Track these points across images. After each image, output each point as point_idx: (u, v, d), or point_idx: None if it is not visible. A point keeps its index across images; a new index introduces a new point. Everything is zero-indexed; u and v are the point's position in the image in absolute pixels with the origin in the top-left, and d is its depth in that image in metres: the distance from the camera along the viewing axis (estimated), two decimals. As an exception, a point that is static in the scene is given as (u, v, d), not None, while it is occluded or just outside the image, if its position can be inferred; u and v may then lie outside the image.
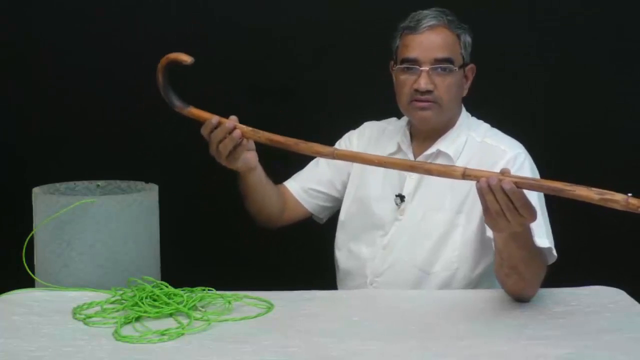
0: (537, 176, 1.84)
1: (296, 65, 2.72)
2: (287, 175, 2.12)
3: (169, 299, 1.61)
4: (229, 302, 1.64)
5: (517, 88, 2.66)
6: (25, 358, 1.38)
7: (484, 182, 1.44)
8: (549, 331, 1.51)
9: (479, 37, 1.95)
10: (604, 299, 1.68)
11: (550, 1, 2.67)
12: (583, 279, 1.77)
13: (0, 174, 2.76)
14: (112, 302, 1.64)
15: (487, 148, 1.89)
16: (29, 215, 1.82)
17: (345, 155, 1.69)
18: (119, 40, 2.69)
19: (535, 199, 1.76)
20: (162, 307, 1.58)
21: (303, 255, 2.70)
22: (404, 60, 1.87)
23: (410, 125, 1.98)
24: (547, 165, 1.90)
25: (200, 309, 1.61)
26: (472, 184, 1.83)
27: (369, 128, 2.08)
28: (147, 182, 1.93)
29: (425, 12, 1.88)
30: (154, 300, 1.61)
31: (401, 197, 1.93)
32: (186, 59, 1.71)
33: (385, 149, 1.98)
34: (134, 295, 1.62)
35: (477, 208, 1.61)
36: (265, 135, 1.72)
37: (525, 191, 1.78)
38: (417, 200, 1.92)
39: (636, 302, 1.67)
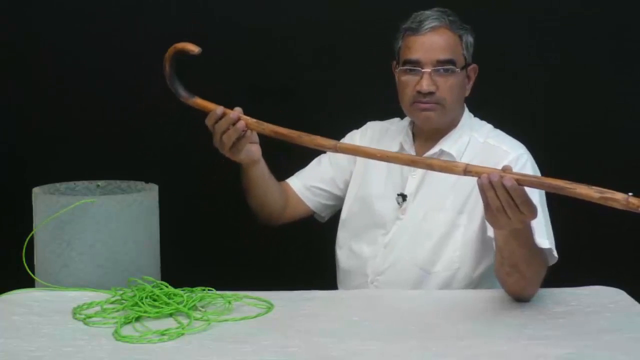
0: None
1: (296, 65, 2.72)
2: (290, 170, 2.12)
3: (169, 299, 1.61)
4: (229, 302, 1.64)
5: (517, 88, 2.66)
6: (25, 358, 1.38)
7: (485, 178, 1.45)
8: (549, 331, 1.51)
9: (479, 37, 1.95)
10: (604, 299, 1.68)
11: (550, 1, 2.67)
12: (583, 279, 1.77)
13: (0, 174, 2.76)
14: (112, 302, 1.64)
15: (489, 149, 1.89)
16: (29, 215, 1.82)
17: (348, 149, 1.69)
18: (119, 40, 2.69)
19: (537, 199, 1.76)
20: (162, 307, 1.58)
21: (303, 255, 2.70)
22: (406, 62, 1.87)
23: (412, 125, 1.99)
24: (547, 165, 1.90)
25: (200, 309, 1.61)
26: (474, 184, 1.84)
27: (372, 128, 2.08)
28: (147, 182, 1.93)
29: (427, 12, 1.88)
30: (154, 300, 1.61)
31: (403, 197, 1.93)
32: (193, 48, 1.72)
33: (387, 149, 1.97)
34: (134, 295, 1.62)
35: (479, 208, 1.61)
36: (269, 127, 1.73)
37: (527, 191, 1.78)
38: (419, 200, 1.92)
39: (636, 302, 1.67)
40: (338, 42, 2.69)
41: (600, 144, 2.70)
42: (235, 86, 2.70)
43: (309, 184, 2.08)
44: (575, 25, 2.65)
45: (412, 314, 1.62)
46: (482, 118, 2.00)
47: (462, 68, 1.88)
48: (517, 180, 1.43)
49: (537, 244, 1.64)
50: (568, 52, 2.67)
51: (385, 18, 2.01)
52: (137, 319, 1.55)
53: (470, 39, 1.90)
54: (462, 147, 1.91)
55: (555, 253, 1.72)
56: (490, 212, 1.46)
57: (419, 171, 1.91)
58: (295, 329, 1.52)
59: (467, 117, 1.97)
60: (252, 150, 1.83)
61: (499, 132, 1.96)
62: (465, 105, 1.97)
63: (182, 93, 1.79)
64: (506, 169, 1.47)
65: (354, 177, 2.05)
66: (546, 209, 1.81)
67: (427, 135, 1.95)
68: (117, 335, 1.47)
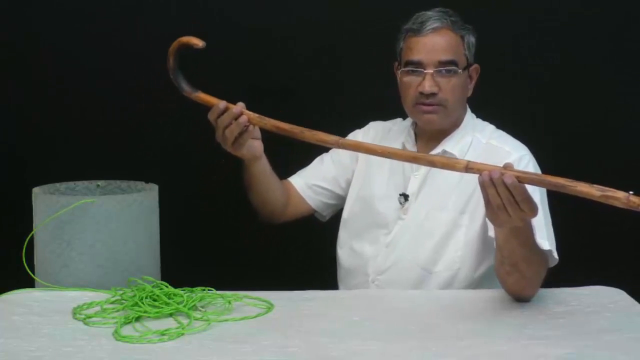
0: None
1: (296, 65, 2.72)
2: (292, 167, 2.12)
3: (169, 299, 1.61)
4: (229, 302, 1.64)
5: (517, 88, 2.66)
6: (25, 358, 1.38)
7: (486, 175, 1.45)
8: (549, 331, 1.51)
9: (479, 37, 1.95)
10: (604, 299, 1.68)
11: (550, 1, 2.67)
12: (583, 279, 1.77)
13: (0, 174, 2.76)
14: (112, 302, 1.64)
15: (492, 149, 1.89)
16: (29, 215, 1.82)
17: (350, 145, 1.69)
18: (119, 40, 2.69)
19: (538, 200, 1.76)
20: (162, 307, 1.58)
21: (303, 255, 2.70)
22: (408, 63, 1.87)
23: (415, 125, 1.99)
24: (547, 166, 1.90)
25: (200, 309, 1.61)
26: (476, 185, 1.84)
27: (374, 128, 2.08)
28: (147, 182, 1.93)
29: (429, 13, 1.88)
30: (154, 300, 1.61)
31: (405, 196, 1.93)
32: (198, 42, 1.72)
33: None
34: (134, 295, 1.62)
35: (481, 208, 1.61)
36: (271, 122, 1.74)
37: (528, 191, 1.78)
38: (421, 200, 1.92)
39: (636, 302, 1.67)
40: (338, 42, 2.69)
41: (600, 144, 2.70)
42: (236, 86, 2.69)
43: (311, 183, 2.08)
44: (575, 25, 2.65)
45: (412, 314, 1.62)
46: (482, 118, 2.00)
47: (464, 68, 1.88)
48: (517, 177, 1.43)
49: (537, 244, 1.64)
50: (568, 52, 2.67)
51: (386, 18, 2.01)
52: (137, 319, 1.55)
53: (472, 39, 1.90)
54: (465, 148, 1.91)
55: (555, 255, 1.72)
56: (491, 209, 1.46)
57: (421, 171, 1.92)
58: (295, 329, 1.52)
59: (470, 118, 1.97)
60: (254, 146, 1.83)
61: (501, 132, 1.96)
62: (467, 106, 1.97)
63: (185, 87, 1.79)
64: (508, 167, 1.47)
65: (355, 176, 2.05)
66: (547, 210, 1.81)
67: (429, 135, 1.95)
68: (117, 335, 1.47)
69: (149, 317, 1.56)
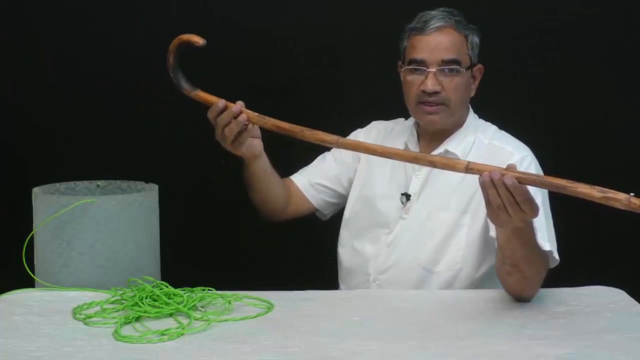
0: None
1: (296, 65, 2.72)
2: (292, 165, 2.12)
3: (169, 299, 1.61)
4: (229, 302, 1.64)
5: (517, 88, 2.66)
6: (25, 358, 1.38)
7: (486, 176, 1.45)
8: (549, 331, 1.51)
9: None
10: (604, 299, 1.68)
11: (551, 1, 2.67)
12: (583, 279, 1.77)
13: (0, 174, 2.76)
14: (112, 302, 1.64)
15: (494, 150, 1.89)
16: (29, 215, 1.82)
17: (350, 145, 1.69)
18: (119, 40, 2.69)
19: (540, 201, 1.76)
20: (162, 307, 1.58)
21: (303, 255, 2.70)
22: (411, 62, 1.88)
23: (417, 125, 1.99)
24: (547, 166, 1.90)
25: (200, 309, 1.61)
26: (478, 185, 1.84)
27: (376, 127, 2.08)
28: (147, 182, 1.93)
29: (433, 12, 1.88)
30: (154, 300, 1.61)
31: (407, 196, 1.93)
32: (198, 40, 1.72)
33: None
34: (134, 295, 1.62)
35: (483, 208, 1.61)
36: (271, 121, 1.73)
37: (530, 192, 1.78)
38: (422, 200, 1.92)
39: (636, 302, 1.67)
40: (338, 42, 2.69)
41: (600, 144, 2.70)
42: (235, 86, 2.68)
43: (313, 181, 2.08)
44: (575, 25, 2.65)
45: (413, 314, 1.62)
46: (482, 118, 2.00)
47: (468, 68, 1.88)
48: (518, 178, 1.43)
49: (538, 244, 1.64)
50: (568, 52, 2.67)
51: (386, 18, 2.02)
52: (137, 319, 1.55)
53: (475, 39, 1.90)
54: (467, 148, 1.91)
55: (556, 255, 1.72)
56: (492, 210, 1.46)
57: (423, 171, 1.92)
58: (295, 329, 1.52)
59: (473, 118, 1.97)
60: (254, 145, 1.83)
61: (504, 133, 1.96)
62: (470, 106, 1.97)
63: (185, 86, 1.79)
64: (509, 168, 1.47)
65: (357, 175, 2.05)
66: (549, 211, 1.81)
67: (431, 135, 1.95)
68: (117, 335, 1.47)
69: (149, 317, 1.56)
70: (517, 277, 1.63)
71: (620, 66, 2.67)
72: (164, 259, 1.88)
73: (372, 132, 2.07)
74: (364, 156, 2.03)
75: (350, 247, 2.01)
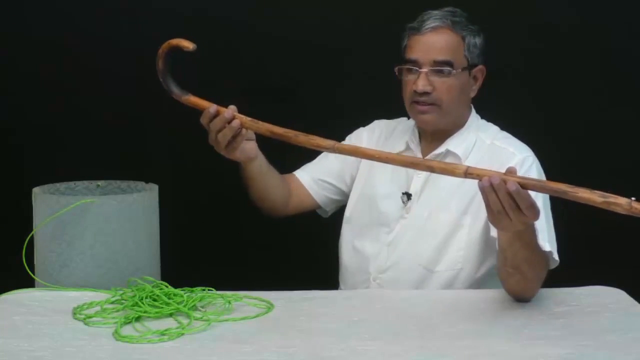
0: None
1: (296, 65, 2.72)
2: (292, 161, 2.11)
3: (169, 299, 1.61)
4: (229, 302, 1.64)
5: (517, 88, 2.66)
6: (25, 358, 1.38)
7: (486, 181, 1.44)
8: (549, 331, 1.51)
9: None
10: (604, 299, 1.68)
11: (551, 1, 2.67)
12: (583, 279, 1.77)
13: (0, 174, 2.76)
14: (112, 302, 1.64)
15: (496, 150, 1.89)
16: (29, 215, 1.82)
17: (346, 150, 1.67)
18: (119, 40, 2.69)
19: (541, 202, 1.76)
20: (162, 307, 1.58)
21: (303, 255, 2.70)
22: (406, 61, 1.88)
23: None
24: (547, 166, 1.90)
25: (200, 309, 1.61)
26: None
27: (379, 126, 2.09)
28: (147, 182, 1.93)
29: (433, 12, 1.88)
30: (154, 300, 1.61)
31: (408, 195, 1.93)
32: (188, 45, 1.70)
33: (394, 148, 1.99)
34: (134, 295, 1.62)
35: (484, 209, 1.61)
36: (264, 127, 1.71)
37: (532, 195, 1.77)
38: (423, 199, 1.92)
39: (636, 302, 1.67)
40: (338, 42, 2.69)
41: (600, 144, 2.70)
42: (235, 86, 2.70)
43: (317, 177, 2.08)
44: (576, 25, 2.66)
45: (412, 314, 1.62)
46: (484, 119, 2.00)
47: (464, 69, 1.88)
48: (518, 183, 1.42)
49: (539, 246, 1.64)
50: (568, 52, 2.67)
51: (386, 18, 2.01)
52: (137, 319, 1.55)
53: (475, 40, 1.89)
54: (469, 148, 1.91)
55: (556, 256, 1.71)
56: (492, 214, 1.46)
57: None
58: (295, 329, 1.52)
59: (475, 118, 1.97)
60: (248, 148, 1.82)
61: (506, 134, 1.96)
62: (472, 107, 1.97)
63: (175, 90, 1.76)
64: (509, 172, 1.46)
65: (359, 173, 2.05)
66: (549, 211, 1.81)
67: (432, 135, 1.95)
68: (117, 335, 1.47)
69: (149, 317, 1.56)
70: (518, 278, 1.63)
71: (621, 68, 2.67)
72: (164, 259, 1.88)
73: (376, 131, 2.07)
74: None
75: (351, 246, 2.01)
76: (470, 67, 1.89)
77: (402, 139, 2.00)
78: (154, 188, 1.88)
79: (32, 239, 1.79)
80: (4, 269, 1.93)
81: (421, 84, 1.85)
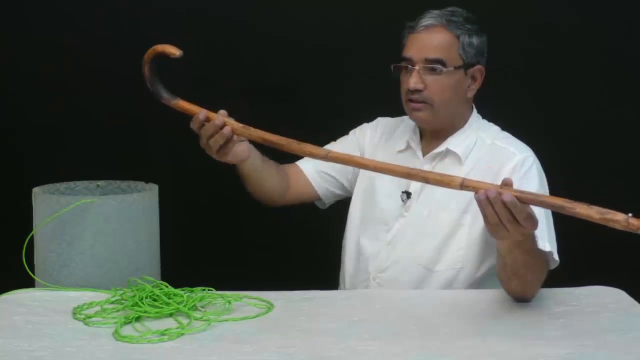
0: (544, 181, 1.85)
1: (296, 65, 2.72)
2: (285, 160, 2.10)
3: (169, 299, 1.61)
4: (229, 302, 1.64)
5: (517, 88, 2.66)
6: (25, 358, 1.38)
7: (482, 194, 1.43)
8: (549, 331, 1.51)
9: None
10: (604, 299, 1.68)
11: (551, 1, 2.67)
12: (583, 279, 1.77)
13: (0, 174, 2.76)
14: (112, 302, 1.64)
15: (496, 150, 1.89)
16: (29, 215, 1.82)
17: (339, 158, 1.65)
18: (119, 40, 2.69)
19: None
20: (162, 307, 1.58)
21: (303, 255, 2.70)
22: (402, 59, 1.88)
23: None
24: (547, 166, 1.90)
25: (200, 309, 1.61)
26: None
27: (383, 123, 2.09)
28: (147, 182, 1.93)
29: (433, 11, 1.88)
30: (154, 300, 1.61)
31: (407, 194, 1.93)
32: (174, 51, 1.66)
33: (395, 146, 1.99)
34: (134, 295, 1.62)
35: None
36: (256, 133, 1.69)
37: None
38: (423, 198, 1.92)
39: (636, 302, 1.67)
40: (338, 42, 2.69)
41: (601, 144, 2.70)
42: (235, 86, 2.70)
43: (320, 169, 2.07)
44: (576, 25, 2.66)
45: (412, 314, 1.62)
46: (485, 119, 2.00)
47: (458, 68, 1.87)
48: (515, 196, 1.41)
49: (539, 248, 1.64)
50: (568, 52, 2.67)
51: (386, 18, 2.01)
52: (137, 319, 1.55)
53: (471, 39, 1.88)
54: (469, 147, 1.91)
55: (556, 257, 1.71)
56: (489, 225, 1.45)
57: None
58: (295, 329, 1.52)
59: (476, 118, 1.97)
60: (240, 150, 1.79)
61: (506, 134, 1.96)
62: (473, 106, 1.97)
63: (165, 95, 1.72)
64: (506, 183, 1.45)
65: (362, 172, 2.05)
66: (549, 211, 1.81)
67: (432, 134, 1.95)
68: (117, 335, 1.47)
69: (149, 317, 1.56)
70: (518, 282, 1.64)
71: (621, 68, 2.67)
72: (164, 259, 1.88)
73: (378, 128, 2.07)
74: (367, 153, 2.04)
75: (352, 244, 2.01)
76: (466, 66, 1.88)
77: (403, 137, 2.00)
78: (154, 188, 1.88)
79: (32, 239, 1.79)
80: (4, 269, 1.93)
81: (412, 82, 1.85)
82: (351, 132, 2.10)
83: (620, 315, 1.60)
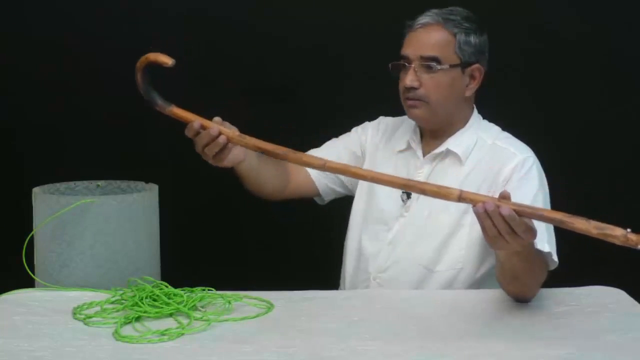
0: (544, 182, 1.84)
1: (296, 65, 2.72)
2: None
3: (169, 299, 1.61)
4: (229, 302, 1.64)
5: (517, 88, 2.66)
6: (25, 358, 1.38)
7: (480, 207, 1.43)
8: (549, 331, 1.51)
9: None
10: (604, 299, 1.68)
11: (551, 1, 2.67)
12: (583, 279, 1.77)
13: (0, 174, 2.76)
14: (112, 302, 1.64)
15: (497, 150, 1.89)
16: (29, 215, 1.82)
17: (336, 169, 1.64)
18: (119, 40, 2.69)
19: (541, 202, 1.76)
20: (162, 307, 1.58)
21: (303, 255, 2.70)
22: (400, 57, 1.89)
23: None
24: (547, 166, 1.90)
25: (200, 309, 1.61)
26: (479, 186, 1.84)
27: (384, 123, 2.09)
28: (147, 182, 1.93)
29: (433, 10, 1.88)
30: (154, 300, 1.61)
31: (407, 194, 1.93)
32: (167, 60, 1.62)
33: (395, 146, 1.99)
34: (134, 295, 1.62)
35: None
36: (252, 142, 1.66)
37: (531, 196, 1.77)
38: (423, 198, 1.91)
39: (636, 302, 1.67)
40: (338, 43, 2.69)
41: (601, 144, 2.70)
42: (235, 86, 2.70)
43: None
44: (576, 25, 2.65)
45: (412, 314, 1.62)
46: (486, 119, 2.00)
47: (454, 66, 1.87)
48: (513, 210, 1.40)
49: (538, 251, 1.63)
50: (568, 52, 2.67)
51: (386, 18, 2.01)
52: (137, 319, 1.55)
53: (469, 38, 1.87)
54: (469, 147, 1.91)
55: (555, 257, 1.71)
56: (488, 238, 1.45)
57: (425, 170, 1.92)
58: (295, 329, 1.52)
59: (476, 118, 1.96)
60: (235, 154, 1.76)
61: (507, 134, 1.95)
62: (474, 107, 1.97)
63: (159, 102, 1.70)
64: (503, 196, 1.45)
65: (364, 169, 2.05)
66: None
67: (432, 134, 1.95)
68: (117, 335, 1.47)
69: (149, 317, 1.56)
70: (518, 284, 1.65)
71: (621, 68, 2.67)
72: (164, 259, 1.88)
73: (380, 128, 2.07)
74: (368, 153, 2.04)
75: (354, 243, 2.01)
76: (463, 64, 1.88)
77: (404, 137, 2.00)
78: (154, 188, 1.88)
79: (32, 239, 1.79)
80: (4, 269, 1.93)
81: (408, 79, 1.86)
82: (353, 130, 2.10)
83: (620, 315, 1.60)
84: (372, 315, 1.61)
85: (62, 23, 2.71)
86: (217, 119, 1.71)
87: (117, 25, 2.71)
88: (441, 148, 1.93)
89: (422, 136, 1.98)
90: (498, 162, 1.86)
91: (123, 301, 1.63)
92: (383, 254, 1.94)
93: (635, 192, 2.61)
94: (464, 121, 1.94)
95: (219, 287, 1.70)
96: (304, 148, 2.03)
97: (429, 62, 1.85)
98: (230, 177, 1.96)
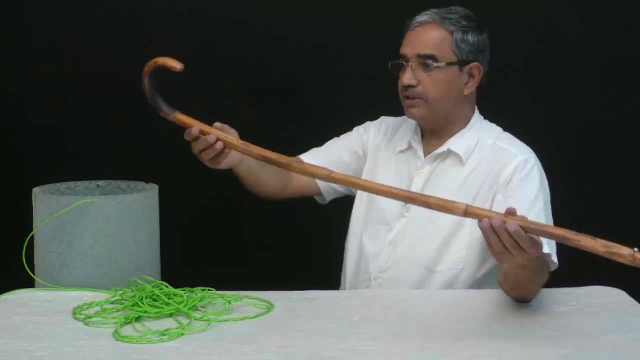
0: (545, 183, 1.84)
1: (296, 65, 2.72)
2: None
3: (169, 299, 1.61)
4: (229, 302, 1.64)
5: (518, 88, 2.66)
6: (25, 358, 1.38)
7: (486, 222, 1.43)
8: (549, 331, 1.51)
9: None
10: (604, 299, 1.68)
11: (551, 1, 2.67)
12: (583, 279, 1.77)
13: (0, 174, 2.76)
14: (112, 302, 1.64)
15: (498, 150, 1.89)
16: (29, 215, 1.82)
17: (342, 180, 1.63)
18: (119, 40, 2.69)
19: (541, 204, 1.76)
20: (162, 307, 1.58)
21: (303, 255, 2.70)
22: (398, 56, 1.89)
23: None
24: (547, 166, 1.90)
25: (200, 309, 1.61)
26: (480, 186, 1.84)
27: (386, 123, 2.08)
28: (147, 182, 1.93)
29: (431, 9, 1.89)
30: (154, 300, 1.61)
31: None
32: (176, 65, 1.61)
33: (397, 146, 1.99)
34: (134, 295, 1.62)
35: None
36: (257, 151, 1.64)
37: (532, 197, 1.77)
38: None
39: (636, 302, 1.67)
40: (338, 42, 2.69)
41: (601, 144, 2.70)
42: (235, 86, 2.70)
43: (323, 165, 2.06)
44: (576, 25, 2.65)
45: (412, 314, 1.62)
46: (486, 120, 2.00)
47: (452, 64, 1.86)
48: (519, 226, 1.40)
49: (540, 262, 1.63)
50: (568, 52, 2.66)
51: (386, 18, 2.01)
52: (137, 319, 1.55)
53: (466, 36, 1.86)
54: (470, 148, 1.91)
55: (555, 259, 1.71)
56: (494, 252, 1.45)
57: (426, 170, 1.92)
58: (295, 329, 1.52)
59: (478, 119, 1.96)
60: (232, 157, 1.75)
61: (509, 135, 1.95)
62: (475, 107, 1.97)
63: (164, 108, 1.68)
64: (509, 212, 1.45)
65: (366, 168, 2.04)
66: (550, 213, 1.81)
67: (432, 133, 1.95)
68: (117, 335, 1.47)
69: (149, 317, 1.56)
70: (520, 291, 1.66)
71: (621, 68, 2.67)
72: (164, 259, 1.88)
73: (382, 127, 2.07)
74: (369, 152, 2.04)
75: (355, 243, 2.01)
76: (460, 62, 1.88)
77: (405, 137, 2.00)
78: (154, 188, 1.88)
79: (32, 239, 1.79)
80: (4, 269, 1.94)
81: (406, 78, 1.86)
82: (355, 129, 2.10)
83: (620, 315, 1.60)
84: (372, 315, 1.61)
85: (62, 23, 2.71)
86: (217, 124, 1.69)
87: (117, 25, 2.71)
88: (442, 148, 1.93)
89: (423, 136, 1.98)
90: (499, 162, 1.86)
91: (123, 301, 1.63)
92: (384, 254, 1.94)
93: (635, 192, 2.61)
94: (465, 121, 1.94)
95: (219, 287, 1.70)
96: (304, 148, 2.04)
97: (426, 60, 1.85)
98: (230, 177, 1.96)
